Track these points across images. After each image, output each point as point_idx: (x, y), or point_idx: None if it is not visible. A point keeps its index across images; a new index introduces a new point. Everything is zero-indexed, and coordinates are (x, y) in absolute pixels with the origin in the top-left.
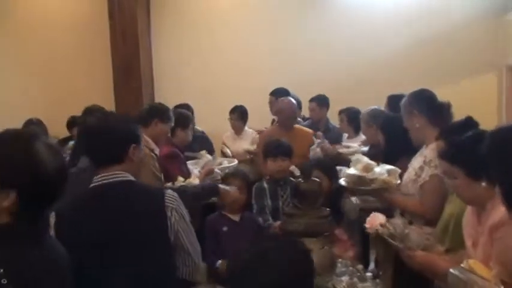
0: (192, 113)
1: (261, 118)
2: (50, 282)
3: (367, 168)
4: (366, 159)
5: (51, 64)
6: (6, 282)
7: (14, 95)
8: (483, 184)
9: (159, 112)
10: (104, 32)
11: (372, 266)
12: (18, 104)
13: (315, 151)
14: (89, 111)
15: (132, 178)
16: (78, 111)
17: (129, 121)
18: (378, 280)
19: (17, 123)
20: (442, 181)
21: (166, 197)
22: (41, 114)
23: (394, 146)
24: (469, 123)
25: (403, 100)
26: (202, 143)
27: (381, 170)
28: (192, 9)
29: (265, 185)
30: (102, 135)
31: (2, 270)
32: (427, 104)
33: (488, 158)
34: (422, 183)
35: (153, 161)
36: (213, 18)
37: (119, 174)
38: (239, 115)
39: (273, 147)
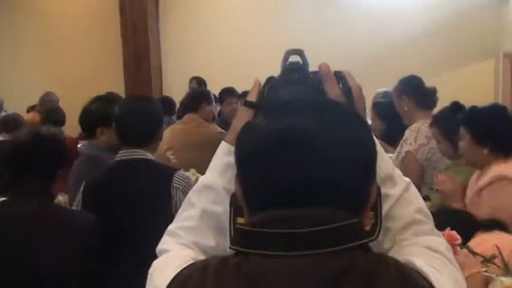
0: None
1: None
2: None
3: None
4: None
5: (61, 54)
6: None
7: (24, 81)
8: (485, 151)
9: (204, 95)
10: (115, 26)
11: None
12: (27, 90)
13: None
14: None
15: (150, 156)
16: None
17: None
18: None
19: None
20: (415, 156)
21: (174, 177)
22: None
23: (391, 128)
24: (456, 107)
25: (394, 85)
26: None
27: None
28: (201, 4)
29: None
30: (140, 118)
31: None
32: (415, 89)
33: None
34: (401, 158)
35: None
36: (221, 13)
37: (139, 152)
38: None
39: None
